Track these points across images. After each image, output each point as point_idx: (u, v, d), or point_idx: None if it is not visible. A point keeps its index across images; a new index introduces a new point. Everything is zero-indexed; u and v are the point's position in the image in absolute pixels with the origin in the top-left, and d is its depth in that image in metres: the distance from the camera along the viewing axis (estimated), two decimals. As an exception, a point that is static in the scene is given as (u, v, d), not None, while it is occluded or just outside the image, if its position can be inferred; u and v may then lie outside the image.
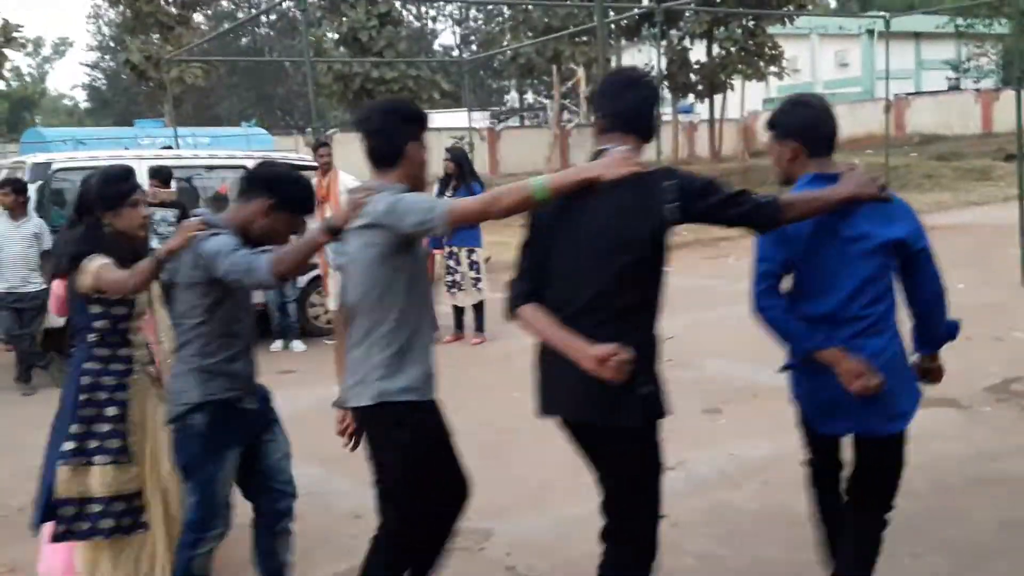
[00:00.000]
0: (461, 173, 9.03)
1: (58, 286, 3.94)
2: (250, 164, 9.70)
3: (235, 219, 3.32)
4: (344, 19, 27.72)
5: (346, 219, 2.95)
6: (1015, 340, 7.86)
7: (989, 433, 5.42)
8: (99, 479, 3.60)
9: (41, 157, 9.48)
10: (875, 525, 3.18)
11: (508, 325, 3.03)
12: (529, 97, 50.85)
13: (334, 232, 2.96)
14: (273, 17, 53.02)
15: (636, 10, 21.76)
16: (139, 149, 15.06)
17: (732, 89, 33.20)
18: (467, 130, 19.99)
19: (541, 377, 2.97)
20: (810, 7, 30.19)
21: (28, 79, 58.07)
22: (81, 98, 61.03)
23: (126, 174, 3.73)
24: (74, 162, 9.29)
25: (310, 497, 4.57)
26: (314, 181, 9.49)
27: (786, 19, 31.27)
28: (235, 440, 3.40)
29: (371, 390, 2.98)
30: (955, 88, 40.60)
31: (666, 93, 31.37)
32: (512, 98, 56.76)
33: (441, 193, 9.12)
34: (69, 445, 3.55)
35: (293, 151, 24.16)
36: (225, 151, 12.09)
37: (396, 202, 2.90)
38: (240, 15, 49.20)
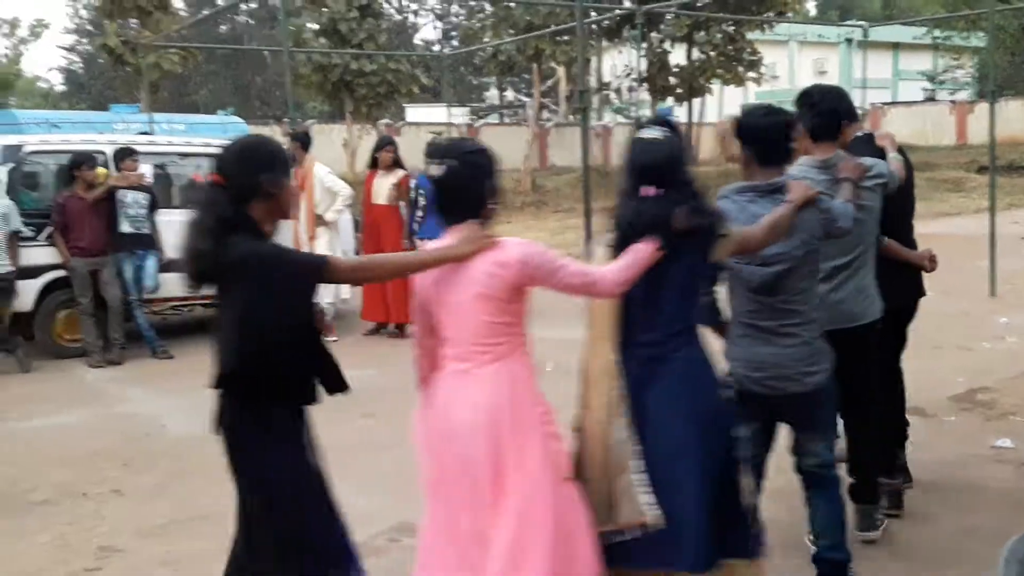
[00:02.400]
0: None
1: (629, 270, 2.89)
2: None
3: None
4: (324, 10, 27.58)
5: (862, 177, 3.72)
6: (982, 350, 7.95)
7: (952, 442, 5.48)
8: None
9: (12, 139, 9.37)
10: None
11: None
12: (509, 94, 50.85)
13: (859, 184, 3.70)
14: (253, 6, 52.72)
15: (617, 11, 21.84)
16: (113, 134, 14.93)
17: (711, 93, 33.35)
18: (446, 125, 19.98)
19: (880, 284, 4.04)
20: (790, 14, 30.34)
21: (3, 60, 57.29)
22: (57, 81, 60.28)
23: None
24: (46, 145, 9.20)
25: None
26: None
27: (766, 25, 31.48)
28: None
29: (879, 302, 3.95)
30: (931, 99, 40.96)
31: (645, 95, 31.47)
32: (492, 95, 56.75)
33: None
34: None
35: (270, 141, 23.98)
36: (200, 139, 12.01)
37: (882, 164, 3.93)
38: (220, 2, 48.88)
